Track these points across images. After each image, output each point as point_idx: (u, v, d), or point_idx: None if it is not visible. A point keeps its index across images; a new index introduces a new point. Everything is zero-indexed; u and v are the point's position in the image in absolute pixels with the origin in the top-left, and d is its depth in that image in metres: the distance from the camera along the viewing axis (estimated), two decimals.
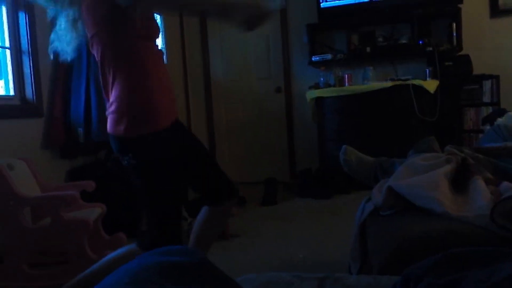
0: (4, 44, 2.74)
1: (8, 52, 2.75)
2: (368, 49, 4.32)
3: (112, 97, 1.52)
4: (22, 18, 2.76)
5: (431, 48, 4.10)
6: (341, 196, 3.81)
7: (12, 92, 2.77)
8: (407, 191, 1.49)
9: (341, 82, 4.23)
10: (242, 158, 5.02)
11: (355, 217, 1.78)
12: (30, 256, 2.25)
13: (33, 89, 2.80)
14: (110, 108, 1.53)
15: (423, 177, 1.54)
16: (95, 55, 1.53)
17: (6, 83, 2.77)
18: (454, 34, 4.11)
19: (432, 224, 1.30)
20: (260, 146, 4.95)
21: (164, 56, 4.49)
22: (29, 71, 2.79)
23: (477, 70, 4.06)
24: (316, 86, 4.35)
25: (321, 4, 4.33)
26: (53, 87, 2.92)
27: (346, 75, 4.22)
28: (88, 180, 2.55)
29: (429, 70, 4.10)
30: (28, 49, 2.77)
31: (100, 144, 3.09)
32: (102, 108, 2.93)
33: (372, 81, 4.14)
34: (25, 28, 2.76)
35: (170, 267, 0.74)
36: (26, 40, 2.77)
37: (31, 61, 2.78)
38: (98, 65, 1.54)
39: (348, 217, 2.28)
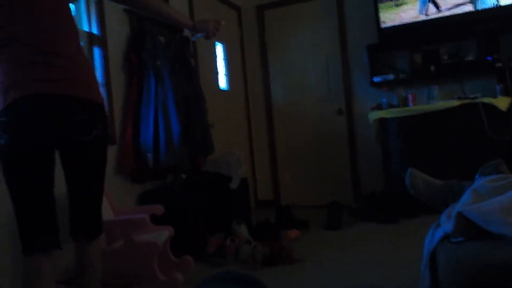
0: None
1: None
2: (432, 68, 4.20)
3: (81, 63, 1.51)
4: (97, 52, 2.99)
5: (501, 64, 3.91)
6: (408, 220, 3.67)
7: None
8: (478, 217, 1.42)
9: (404, 102, 4.13)
10: (305, 181, 5.01)
11: (424, 243, 1.72)
12: (104, 277, 2.37)
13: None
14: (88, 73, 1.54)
15: (496, 201, 1.46)
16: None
17: None
18: None
19: (508, 252, 1.23)
20: (323, 169, 4.91)
21: (226, 82, 4.63)
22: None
23: None
24: (379, 107, 4.27)
25: (382, 25, 4.29)
26: (124, 115, 3.11)
27: (410, 95, 4.11)
28: (157, 204, 2.66)
29: (499, 87, 3.90)
30: (103, 81, 2.99)
31: (168, 169, 3.22)
32: (169, 135, 3.07)
33: (437, 100, 4.00)
34: (99, 62, 2.98)
35: None
36: (101, 73, 2.99)
37: (105, 91, 2.98)
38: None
39: (415, 243, 2.20)
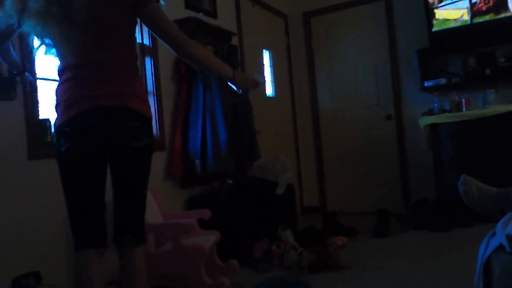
0: None
1: None
2: (487, 71, 4.03)
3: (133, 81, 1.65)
4: (148, 63, 3.10)
5: None
6: (461, 229, 3.52)
7: None
8: None
9: (458, 107, 3.98)
10: (352, 188, 4.93)
11: (478, 253, 1.65)
12: (153, 279, 2.44)
13: (157, 125, 3.10)
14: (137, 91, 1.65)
15: None
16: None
17: None
18: None
19: None
20: (371, 175, 4.81)
21: (273, 89, 4.66)
22: (154, 110, 3.10)
23: None
24: (430, 112, 4.14)
25: (433, 28, 4.17)
26: (174, 123, 3.20)
27: (463, 100, 3.96)
28: (204, 209, 2.71)
29: None
30: (153, 90, 3.09)
31: (215, 175, 3.27)
32: (217, 142, 3.13)
33: (493, 104, 3.83)
34: (150, 72, 3.10)
35: None
36: (151, 82, 3.10)
37: (155, 101, 3.09)
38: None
39: (469, 252, 2.11)
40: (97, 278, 1.56)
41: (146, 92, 1.72)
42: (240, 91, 1.86)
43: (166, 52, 3.22)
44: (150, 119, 1.67)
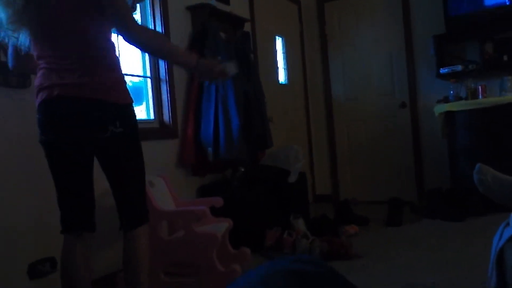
0: (146, 73, 3.10)
1: (149, 80, 3.10)
2: (505, 58, 3.94)
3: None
4: None
5: None
6: (475, 218, 3.49)
7: (152, 116, 3.10)
8: None
9: (474, 95, 3.91)
10: (365, 176, 4.90)
11: (492, 243, 1.63)
12: (166, 265, 2.47)
13: (170, 113, 3.10)
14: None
15: None
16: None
17: (147, 108, 3.12)
18: None
19: None
20: (385, 164, 4.78)
21: (285, 76, 4.63)
22: (166, 97, 3.10)
23: None
24: (446, 100, 4.08)
25: (450, 13, 4.08)
26: (186, 111, 3.20)
27: (480, 87, 3.88)
28: (216, 197, 2.72)
29: None
30: (166, 78, 3.10)
31: (227, 163, 3.28)
32: (229, 130, 3.13)
33: (510, 92, 3.75)
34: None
35: (299, 275, 0.78)
36: (164, 70, 3.10)
37: (168, 88, 3.10)
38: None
39: (483, 242, 2.09)
40: (75, 260, 1.63)
41: (119, 79, 1.63)
42: (206, 82, 1.82)
43: (179, 39, 3.22)
44: (118, 106, 1.60)
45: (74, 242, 1.66)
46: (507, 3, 3.88)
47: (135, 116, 1.69)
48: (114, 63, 1.64)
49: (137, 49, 1.65)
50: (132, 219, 1.69)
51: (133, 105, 1.70)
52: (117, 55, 1.70)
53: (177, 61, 1.73)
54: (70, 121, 1.57)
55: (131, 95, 1.69)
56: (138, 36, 1.56)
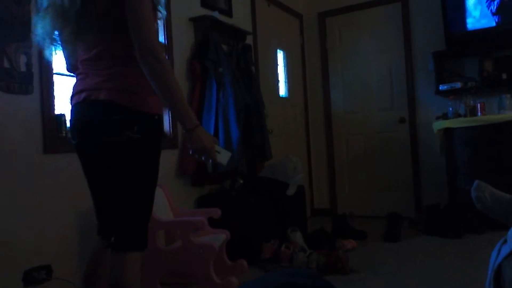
0: None
1: None
2: (504, 76, 3.97)
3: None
4: None
5: None
6: (473, 236, 3.48)
7: None
8: None
9: (472, 112, 3.93)
10: (364, 191, 4.90)
11: (490, 260, 1.63)
12: (163, 276, 2.46)
13: (170, 123, 3.11)
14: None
15: None
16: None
17: None
18: None
19: None
20: (383, 179, 4.78)
21: (286, 89, 4.65)
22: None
23: None
24: (444, 116, 4.10)
25: (450, 30, 4.13)
26: None
27: (479, 104, 3.91)
28: (214, 207, 2.72)
29: None
30: None
31: (226, 174, 3.28)
32: (229, 141, 3.14)
33: (509, 110, 3.78)
34: None
35: None
36: None
37: None
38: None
39: (480, 259, 2.09)
40: (94, 262, 1.62)
41: (140, 84, 1.50)
42: (191, 150, 1.57)
43: (181, 50, 3.25)
44: (137, 111, 1.48)
45: (97, 245, 1.64)
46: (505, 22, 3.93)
47: (158, 130, 1.56)
48: (139, 72, 1.49)
49: (150, 75, 1.46)
50: (126, 240, 1.50)
51: (160, 118, 1.56)
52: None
53: (178, 113, 1.53)
54: (90, 125, 1.52)
55: (161, 108, 1.56)
56: (158, 67, 1.42)
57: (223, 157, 1.61)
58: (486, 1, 4.03)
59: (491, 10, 4.01)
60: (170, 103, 1.48)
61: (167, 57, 2.97)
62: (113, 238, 1.52)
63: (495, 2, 3.98)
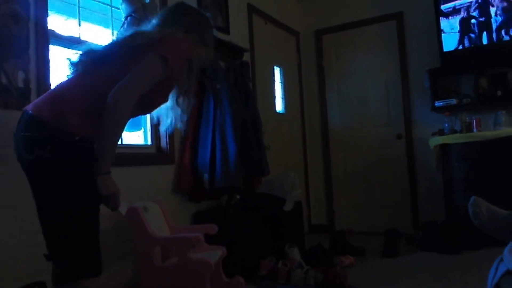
0: None
1: None
2: (499, 92, 4.01)
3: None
4: None
5: None
6: (471, 252, 3.47)
7: (149, 142, 3.11)
8: None
9: (468, 128, 3.96)
10: (361, 207, 4.89)
11: (488, 278, 1.62)
12: None
13: (167, 139, 3.12)
14: None
15: None
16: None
17: (145, 133, 3.13)
18: None
19: None
20: (380, 195, 4.78)
21: (283, 105, 4.66)
22: None
23: None
24: (440, 132, 4.12)
25: (444, 48, 4.18)
26: (183, 137, 3.22)
27: (474, 120, 3.94)
28: (211, 223, 2.70)
29: None
30: None
31: (223, 190, 3.27)
32: (226, 157, 3.14)
33: (504, 126, 3.80)
34: None
35: None
36: None
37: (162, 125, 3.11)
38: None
39: (478, 275, 2.08)
40: None
41: (76, 107, 1.49)
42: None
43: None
44: (55, 130, 1.44)
45: (58, 268, 1.53)
46: (506, 39, 3.98)
47: (79, 152, 1.48)
48: (94, 101, 1.51)
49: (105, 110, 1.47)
50: (71, 269, 1.46)
51: (88, 141, 1.51)
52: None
53: (107, 153, 1.50)
54: (15, 139, 1.54)
55: (94, 130, 1.50)
56: (115, 106, 1.46)
57: (124, 207, 1.74)
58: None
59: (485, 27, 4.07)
60: (105, 141, 1.48)
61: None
62: (62, 266, 1.48)
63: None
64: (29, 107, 1.53)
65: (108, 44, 1.71)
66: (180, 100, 1.77)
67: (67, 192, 1.45)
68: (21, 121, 1.53)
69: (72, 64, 1.63)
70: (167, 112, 1.82)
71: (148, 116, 3.11)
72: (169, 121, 1.83)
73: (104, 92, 1.48)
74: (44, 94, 1.59)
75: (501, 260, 1.56)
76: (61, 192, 1.44)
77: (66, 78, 1.63)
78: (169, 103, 1.79)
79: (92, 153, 1.50)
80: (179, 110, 1.78)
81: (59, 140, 1.45)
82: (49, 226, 1.49)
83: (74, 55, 1.65)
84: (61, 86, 1.59)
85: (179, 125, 1.82)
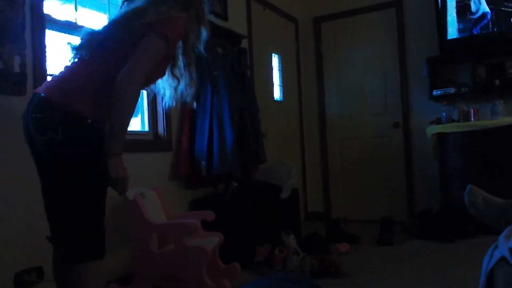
0: None
1: (144, 92, 3.11)
2: (497, 82, 4.01)
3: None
4: None
5: None
6: (465, 240, 3.49)
7: (146, 128, 3.10)
8: None
9: (466, 117, 3.96)
10: (357, 195, 4.91)
11: (482, 265, 1.63)
12: (155, 279, 2.45)
13: (164, 126, 3.11)
14: None
15: None
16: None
17: (142, 119, 3.12)
18: None
19: None
20: (376, 183, 4.79)
21: (280, 92, 4.65)
22: (161, 109, 3.11)
23: None
24: (438, 121, 4.12)
25: (444, 36, 4.16)
26: (181, 124, 3.21)
27: (472, 110, 3.94)
28: (208, 210, 2.71)
29: None
30: None
31: (220, 177, 3.28)
32: (223, 144, 3.13)
33: (502, 115, 3.81)
34: None
35: None
36: None
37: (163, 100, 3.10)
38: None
39: (473, 264, 2.09)
40: (58, 273, 1.63)
41: (86, 90, 1.51)
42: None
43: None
44: (67, 113, 1.46)
45: (58, 253, 1.57)
46: (502, 29, 3.97)
47: (91, 135, 1.51)
48: (100, 85, 1.53)
49: (114, 94, 1.49)
50: (74, 251, 1.47)
51: (100, 124, 1.55)
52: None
53: (118, 132, 1.51)
54: (25, 120, 1.57)
55: (105, 113, 1.52)
56: (124, 92, 1.48)
57: (131, 192, 1.74)
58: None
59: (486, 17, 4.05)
60: (116, 123, 1.48)
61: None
62: (63, 249, 1.49)
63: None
64: (40, 89, 1.54)
65: (109, 24, 1.69)
66: (186, 72, 1.80)
67: (77, 173, 1.47)
68: (31, 103, 1.54)
69: (75, 48, 1.63)
70: (169, 87, 1.85)
71: (145, 101, 3.11)
72: (168, 93, 1.86)
73: (114, 74, 1.50)
74: (54, 77, 1.60)
75: (496, 247, 1.58)
76: (71, 174, 1.46)
77: (69, 63, 1.63)
78: (173, 82, 1.82)
79: (103, 136, 1.53)
80: (183, 84, 1.81)
81: (71, 123, 1.46)
82: (56, 207, 1.51)
83: (76, 39, 1.65)
84: (71, 70, 1.59)
85: (188, 98, 1.84)
